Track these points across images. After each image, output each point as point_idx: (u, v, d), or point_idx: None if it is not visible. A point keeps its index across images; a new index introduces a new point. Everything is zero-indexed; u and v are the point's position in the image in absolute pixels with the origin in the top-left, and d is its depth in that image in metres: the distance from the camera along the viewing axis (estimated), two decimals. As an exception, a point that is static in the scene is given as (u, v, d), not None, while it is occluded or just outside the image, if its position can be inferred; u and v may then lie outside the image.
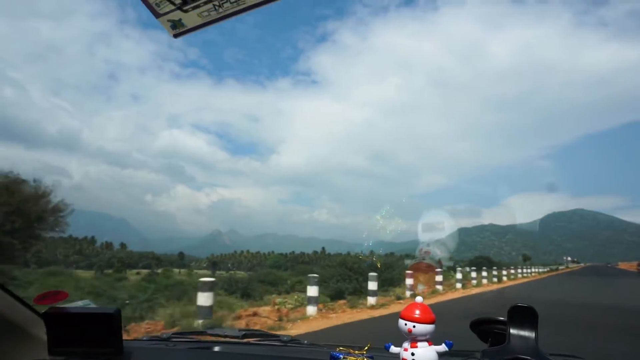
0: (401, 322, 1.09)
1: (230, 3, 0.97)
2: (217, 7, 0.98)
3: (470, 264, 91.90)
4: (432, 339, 1.10)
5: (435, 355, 1.08)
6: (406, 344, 1.10)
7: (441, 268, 17.73)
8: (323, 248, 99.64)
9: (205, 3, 0.97)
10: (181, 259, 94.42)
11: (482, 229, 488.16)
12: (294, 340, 1.67)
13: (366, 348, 1.30)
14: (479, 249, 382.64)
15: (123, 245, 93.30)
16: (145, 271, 46.47)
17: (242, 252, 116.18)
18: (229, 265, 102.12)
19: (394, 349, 1.14)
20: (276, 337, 1.72)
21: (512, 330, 1.11)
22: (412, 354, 1.08)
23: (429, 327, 1.07)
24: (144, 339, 1.77)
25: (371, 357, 1.25)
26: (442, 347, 1.09)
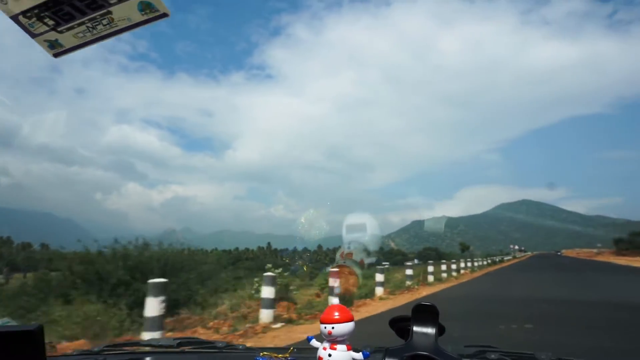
0: (321, 326, 1.12)
1: (103, 25, 1.00)
2: (90, 29, 1.00)
3: (418, 256, 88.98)
4: (352, 342, 1.12)
5: None
6: (326, 344, 1.13)
7: (363, 269, 16.43)
8: (269, 244, 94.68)
9: (78, 25, 0.99)
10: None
11: (435, 221, 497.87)
12: (230, 346, 1.65)
13: (289, 351, 1.33)
14: (431, 241, 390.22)
15: (44, 246, 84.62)
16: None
17: (188, 249, 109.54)
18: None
19: (315, 343, 1.16)
20: (211, 344, 1.69)
21: (414, 328, 1.14)
22: (329, 355, 1.11)
23: (348, 326, 1.10)
24: (74, 354, 1.63)
25: None
26: (359, 356, 1.12)
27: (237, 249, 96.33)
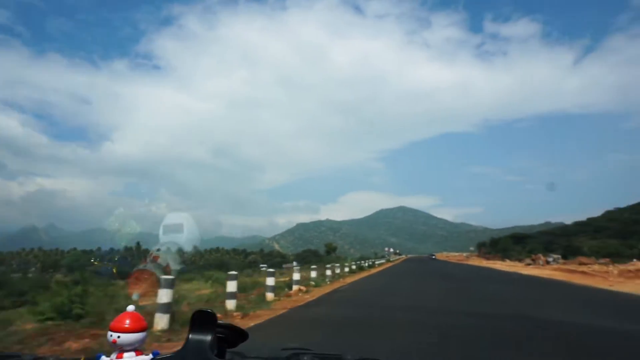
0: (108, 334, 1.09)
1: None
2: None
3: (297, 258, 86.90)
4: (143, 348, 1.11)
5: None
6: (113, 355, 1.11)
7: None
8: (138, 243, 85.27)
9: None
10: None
11: (319, 224, 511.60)
12: (39, 357, 1.47)
13: None
14: (315, 244, 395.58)
15: None
16: None
17: (37, 249, 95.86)
18: (14, 265, 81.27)
19: (104, 359, 1.13)
20: (17, 356, 1.50)
21: (191, 335, 1.12)
22: None
23: (135, 336, 1.08)
24: None
25: None
26: (148, 357, 1.11)
27: (99, 248, 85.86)
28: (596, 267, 29.51)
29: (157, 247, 13.85)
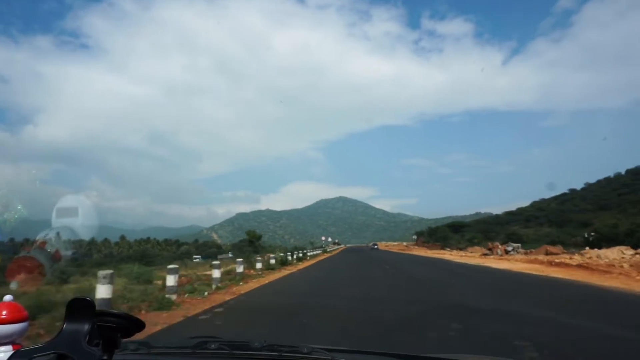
0: None
1: None
2: None
3: (233, 248, 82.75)
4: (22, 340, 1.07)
5: None
6: None
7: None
8: (57, 233, 76.86)
9: None
10: None
11: (259, 214, 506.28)
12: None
13: None
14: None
15: None
16: None
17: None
18: None
19: None
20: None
21: (65, 325, 1.04)
22: None
23: (12, 328, 1.02)
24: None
25: None
26: (7, 348, 1.05)
27: (12, 239, 76.99)
28: (577, 257, 25.36)
29: (45, 232, 12.42)
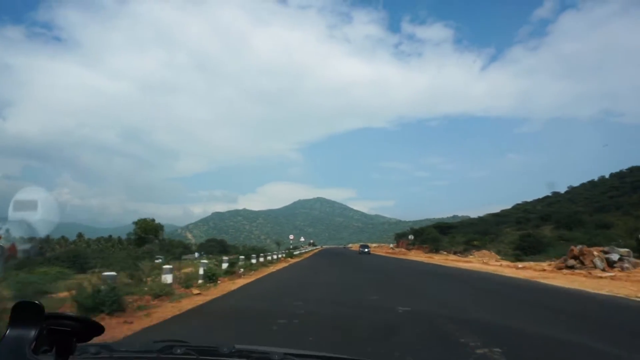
0: None
1: None
2: None
3: (201, 248, 74.56)
4: None
5: None
6: None
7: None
8: (7, 229, 67.36)
9: None
10: None
11: (235, 213, 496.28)
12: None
13: None
14: (230, 233, 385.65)
15: None
16: None
17: None
18: None
19: None
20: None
21: (9, 331, 0.97)
22: None
23: None
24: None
25: None
26: None
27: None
28: None
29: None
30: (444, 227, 74.11)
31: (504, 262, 30.65)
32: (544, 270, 21.55)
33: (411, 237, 55.43)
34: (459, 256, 41.22)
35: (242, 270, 20.76)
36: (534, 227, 60.30)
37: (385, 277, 19.37)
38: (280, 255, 37.72)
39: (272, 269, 25.51)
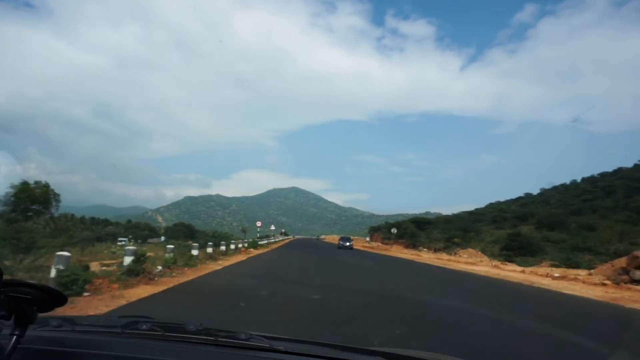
0: None
1: None
2: None
3: (167, 232, 70.75)
4: None
5: None
6: None
7: None
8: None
9: None
10: None
11: (208, 198, 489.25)
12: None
13: None
14: (202, 219, 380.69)
15: None
16: None
17: None
18: None
19: None
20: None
21: None
22: None
23: None
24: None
25: None
26: None
27: None
28: None
29: None
30: (421, 223, 72.73)
31: (514, 267, 24.89)
32: (603, 284, 15.83)
33: (394, 230, 52.42)
34: (450, 255, 37.12)
35: (159, 268, 13.10)
36: (512, 226, 59.54)
37: (409, 298, 10.67)
38: (242, 245, 31.59)
39: (218, 265, 18.19)
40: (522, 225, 58.20)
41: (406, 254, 39.60)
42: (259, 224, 45.81)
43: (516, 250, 33.21)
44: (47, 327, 1.30)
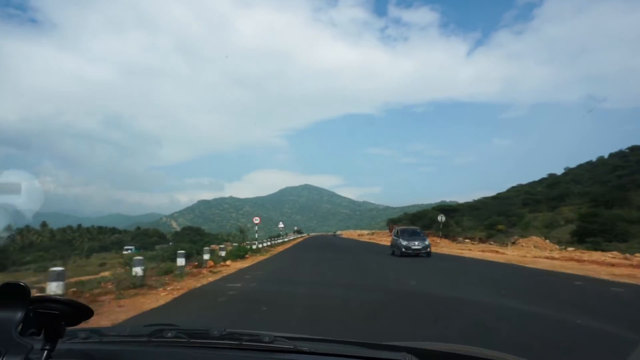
0: None
1: None
2: None
3: (175, 237, 65.47)
4: None
5: None
6: None
7: None
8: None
9: None
10: None
11: (221, 201, 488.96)
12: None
13: None
14: (216, 221, 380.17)
15: None
16: None
17: None
18: None
19: None
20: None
21: None
22: None
23: None
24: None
25: None
26: None
27: None
28: None
29: None
30: (448, 211, 67.21)
31: (615, 254, 19.28)
32: None
33: (442, 218, 42.63)
34: (506, 246, 29.42)
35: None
36: (551, 208, 53.89)
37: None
38: (223, 253, 20.40)
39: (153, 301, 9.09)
40: (561, 206, 52.52)
41: (452, 248, 31.43)
42: (256, 220, 35.13)
43: (598, 234, 27.15)
44: (75, 340, 1.32)
